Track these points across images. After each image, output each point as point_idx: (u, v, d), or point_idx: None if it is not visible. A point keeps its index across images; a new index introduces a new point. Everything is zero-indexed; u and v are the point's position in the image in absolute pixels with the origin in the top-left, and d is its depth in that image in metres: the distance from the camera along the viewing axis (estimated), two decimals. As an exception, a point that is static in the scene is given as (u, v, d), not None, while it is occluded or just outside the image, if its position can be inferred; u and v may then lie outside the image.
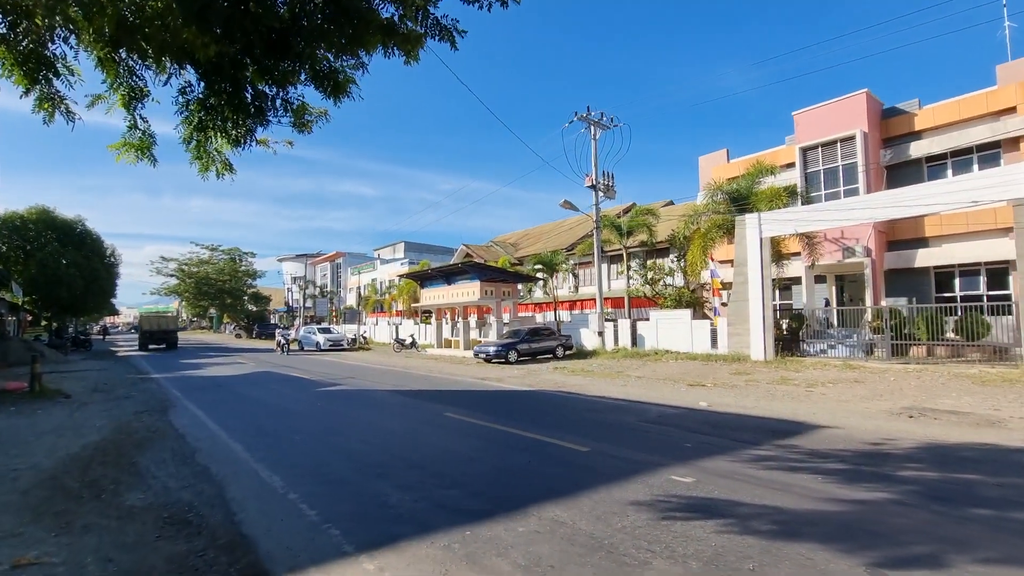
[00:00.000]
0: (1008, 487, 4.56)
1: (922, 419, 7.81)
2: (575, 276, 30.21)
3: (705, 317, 21.73)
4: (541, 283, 30.19)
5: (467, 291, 25.13)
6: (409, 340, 29.93)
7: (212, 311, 69.60)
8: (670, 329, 20.40)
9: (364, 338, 37.29)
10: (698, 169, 27.73)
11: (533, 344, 20.57)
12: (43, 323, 40.98)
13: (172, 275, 56.95)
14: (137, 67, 5.18)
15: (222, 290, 57.23)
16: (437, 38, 5.07)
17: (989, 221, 17.13)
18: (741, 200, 19.40)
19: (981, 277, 18.25)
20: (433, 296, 28.24)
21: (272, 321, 65.52)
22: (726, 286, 19.53)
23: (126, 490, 4.85)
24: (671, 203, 37.28)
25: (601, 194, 22.27)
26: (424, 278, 29.09)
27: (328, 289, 64.02)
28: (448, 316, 30.90)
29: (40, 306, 31.92)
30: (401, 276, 32.85)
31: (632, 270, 24.88)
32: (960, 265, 18.58)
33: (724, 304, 19.00)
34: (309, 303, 59.43)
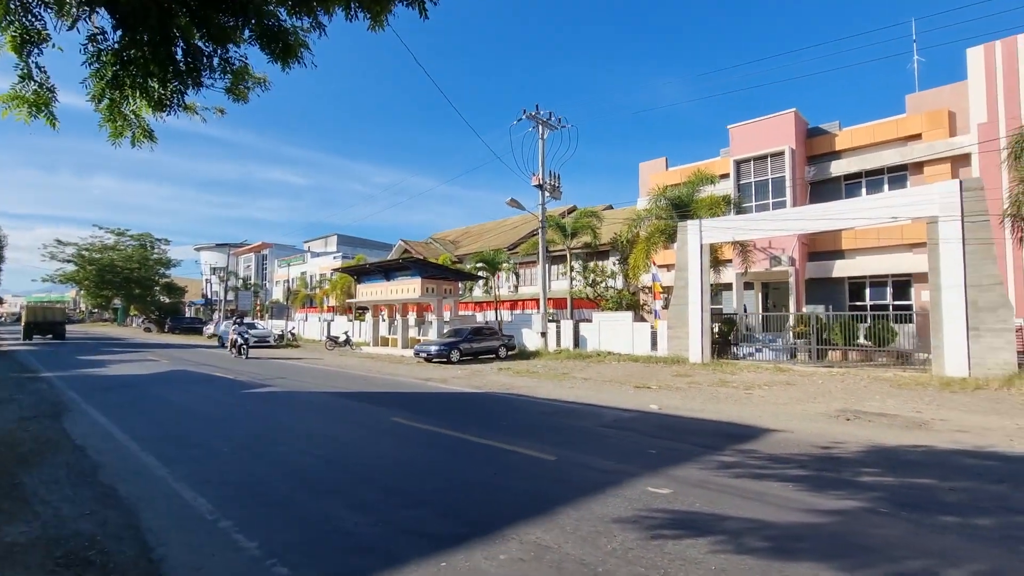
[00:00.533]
0: (960, 491, 4.72)
1: (857, 421, 8.19)
2: (516, 276, 30.07)
3: (645, 320, 22.27)
4: (482, 282, 29.79)
5: (407, 288, 24.23)
6: (343, 338, 28.49)
7: (117, 302, 63.10)
8: (612, 331, 20.67)
9: (293, 335, 35.16)
10: (638, 176, 28.53)
11: (475, 344, 20.13)
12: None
13: (70, 260, 50.89)
14: (33, 3, 4.26)
15: (129, 279, 51.86)
16: (407, 2, 4.56)
17: (897, 237, 18.71)
18: (682, 207, 20.01)
19: (888, 288, 19.94)
20: (370, 292, 27.03)
21: (187, 314, 60.49)
22: (666, 290, 20.07)
23: (4, 522, 3.93)
24: (611, 207, 38.13)
25: (547, 194, 22.21)
26: (361, 273, 27.77)
27: (252, 282, 60.06)
28: (385, 313, 29.74)
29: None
30: (336, 270, 31.26)
31: (575, 271, 25.04)
32: (871, 276, 20.21)
33: (664, 307, 19.51)
34: (231, 296, 55.37)
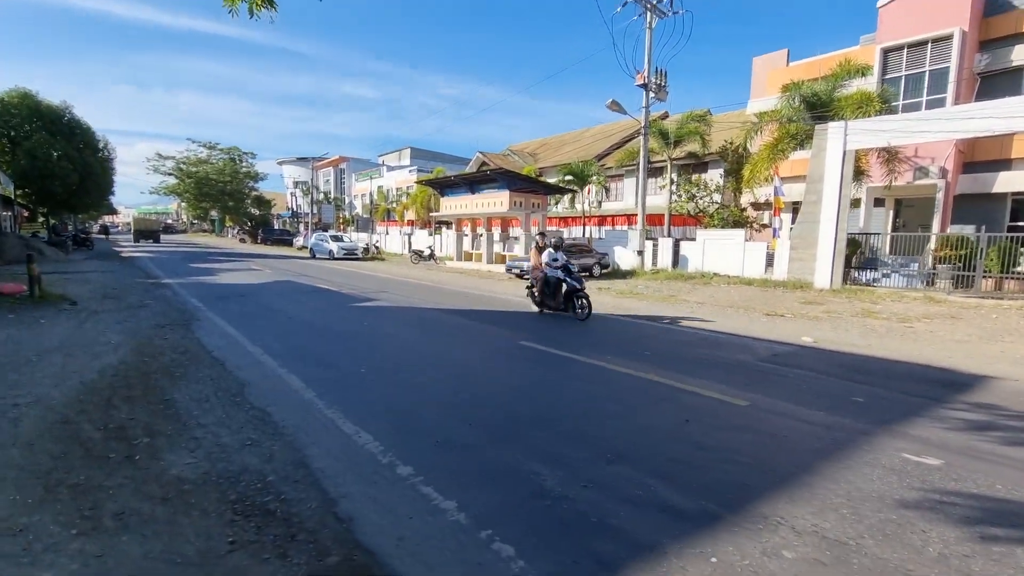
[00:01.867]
0: None
1: (1100, 371, 6.51)
2: (606, 190, 28.06)
3: (753, 239, 20.13)
4: (568, 196, 28.14)
5: (494, 201, 23.20)
6: (427, 252, 28.48)
7: (214, 213, 67.28)
8: (719, 250, 18.85)
9: (376, 248, 35.77)
10: (750, 74, 24.71)
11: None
12: (40, 219, 39.20)
13: (170, 174, 54.05)
14: None
15: (223, 191, 54.63)
16: None
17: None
18: (818, 107, 17.00)
19: (1067, 207, 16.46)
20: (454, 205, 26.31)
21: (276, 226, 63.50)
22: (788, 206, 17.69)
23: (166, 446, 3.55)
24: (708, 113, 34.17)
25: (652, 94, 19.66)
26: (445, 185, 26.96)
27: (333, 196, 61.45)
28: (469, 227, 29.18)
29: (34, 201, 29.99)
30: (419, 183, 30.64)
31: (675, 185, 22.77)
32: (1046, 192, 16.71)
33: (783, 225, 17.30)
34: (314, 209, 57.15)
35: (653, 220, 24.85)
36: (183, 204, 76.50)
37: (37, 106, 26.39)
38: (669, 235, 21.93)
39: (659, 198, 26.38)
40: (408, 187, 48.81)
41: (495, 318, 9.83)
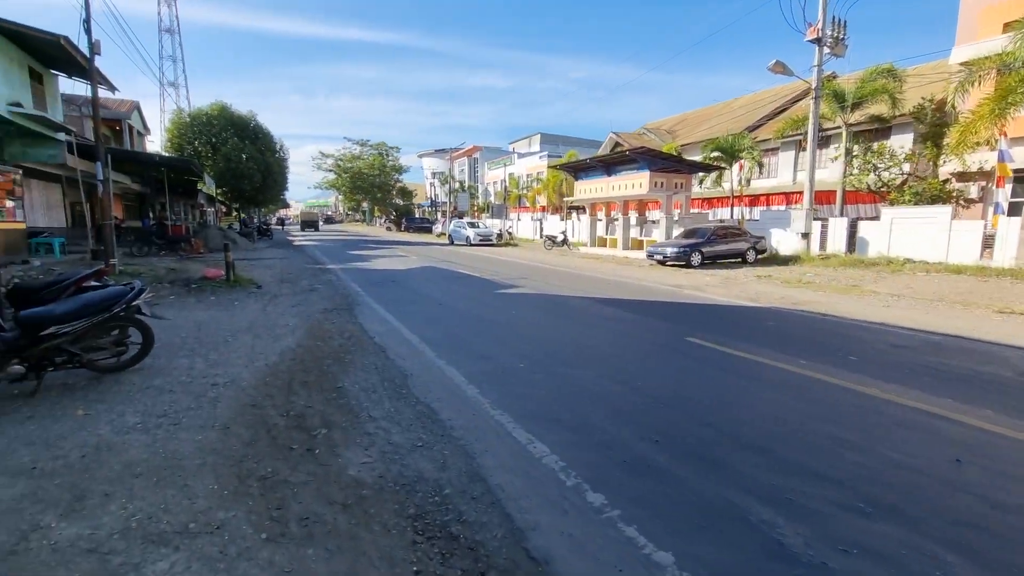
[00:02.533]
0: None
1: None
2: (760, 166, 25.03)
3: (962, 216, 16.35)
4: (714, 174, 25.66)
5: (633, 183, 21.91)
6: (560, 237, 28.08)
7: (365, 205, 74.35)
8: (911, 232, 15.64)
9: (509, 234, 36.32)
10: (955, 15, 19.97)
11: (719, 246, 17.29)
12: (233, 214, 46.47)
13: (330, 170, 60.66)
14: None
15: (373, 184, 59.92)
16: None
17: None
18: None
19: None
20: (589, 189, 25.47)
21: (417, 215, 67.96)
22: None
23: (342, 441, 3.45)
24: (891, 68, 28.66)
25: (827, 50, 16.78)
26: (579, 169, 26.21)
27: (468, 184, 63.95)
28: (603, 212, 28.15)
29: (229, 198, 35.43)
30: (552, 167, 30.26)
31: (852, 155, 19.38)
32: None
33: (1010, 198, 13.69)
34: (451, 198, 60.10)
35: (819, 198, 21.55)
36: (340, 197, 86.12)
37: (231, 116, 30.92)
38: (842, 214, 18.81)
39: (824, 172, 22.84)
40: (539, 173, 48.86)
41: (650, 309, 8.98)
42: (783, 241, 19.03)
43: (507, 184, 47.50)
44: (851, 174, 19.27)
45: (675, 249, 16.74)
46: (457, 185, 60.59)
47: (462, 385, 4.61)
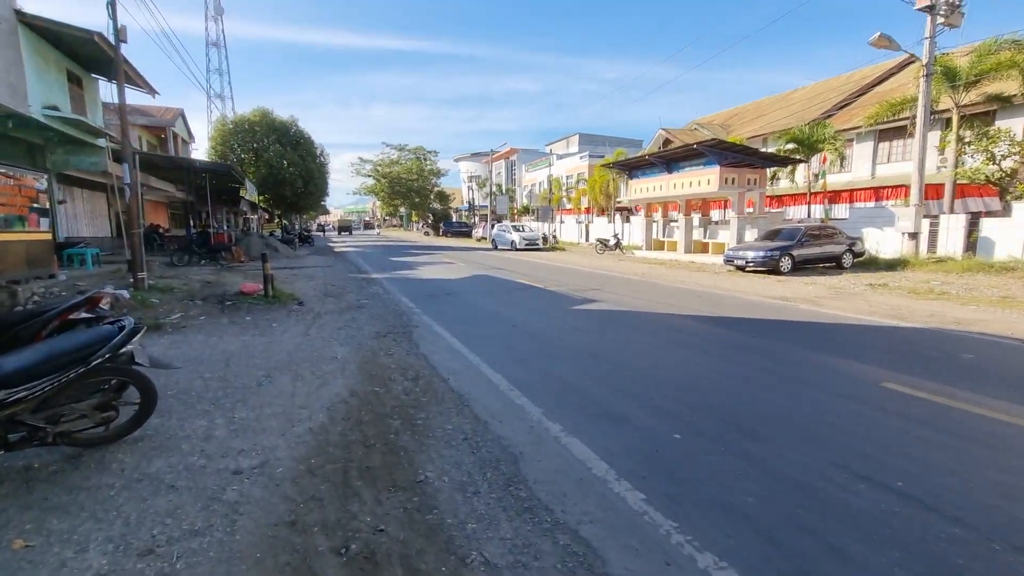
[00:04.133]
0: None
1: None
2: (842, 159, 22.45)
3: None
4: (788, 169, 23.25)
5: (700, 179, 19.85)
6: (613, 241, 26.21)
7: (402, 209, 74.01)
8: (1056, 229, 13.10)
9: (554, 237, 34.61)
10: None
11: (811, 249, 15.08)
12: (275, 221, 46.52)
13: (369, 176, 60.46)
14: None
15: (411, 188, 59.33)
16: None
17: None
18: None
19: None
20: (646, 188, 23.49)
21: (454, 219, 67.00)
22: None
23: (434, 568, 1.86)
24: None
25: (941, 19, 14.38)
26: (634, 167, 24.27)
27: (506, 187, 62.61)
28: (660, 212, 26.10)
29: (271, 204, 35.13)
30: (607, 164, 28.35)
31: (965, 142, 16.76)
32: None
33: None
34: (491, 201, 58.81)
35: (900, 192, 18.91)
36: (378, 203, 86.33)
37: (272, 122, 30.48)
38: (952, 210, 16.27)
39: (910, 164, 20.24)
40: (580, 173, 46.96)
41: (781, 332, 7.11)
42: (882, 242, 16.63)
43: (540, 188, 45.80)
44: (962, 164, 16.67)
45: (761, 253, 14.63)
46: (495, 188, 59.29)
47: (611, 482, 2.94)
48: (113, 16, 8.33)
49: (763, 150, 23.21)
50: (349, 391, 4.54)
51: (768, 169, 20.77)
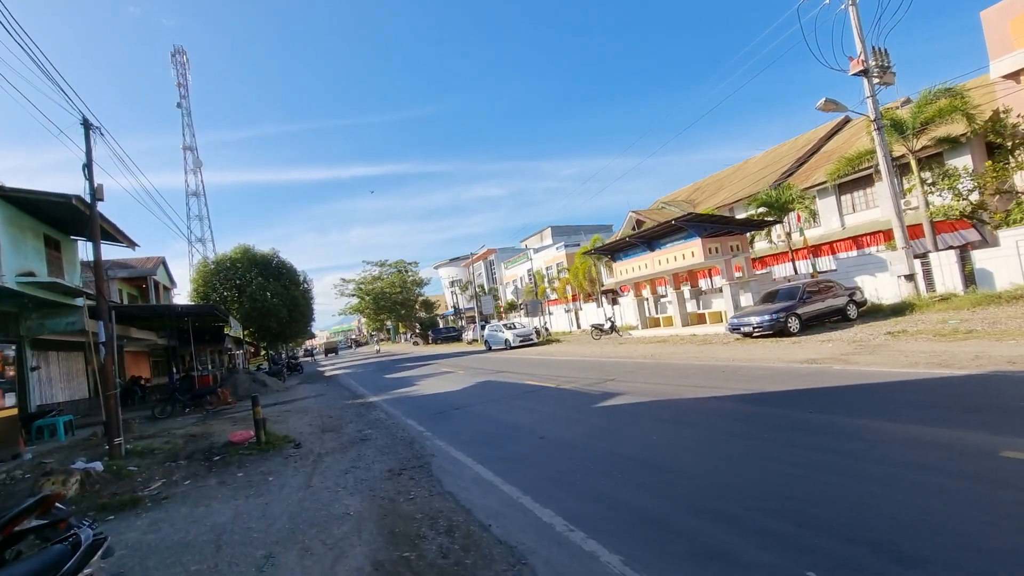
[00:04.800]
0: None
1: None
2: (813, 215, 23.15)
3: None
4: (763, 232, 23.80)
5: (683, 253, 20.03)
6: (608, 324, 25.83)
7: (388, 323, 73.70)
8: (1048, 253, 13.13)
9: (546, 329, 34.18)
10: (982, 32, 19.04)
11: (815, 305, 14.81)
12: (262, 353, 45.44)
13: (352, 295, 60.70)
14: None
15: (395, 302, 59.44)
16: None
17: None
18: None
19: None
20: (631, 268, 23.63)
21: (441, 326, 66.61)
22: None
23: None
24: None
25: (875, 79, 15.50)
26: (616, 249, 24.63)
27: (489, 287, 63.30)
28: (648, 290, 26.10)
29: (256, 337, 34.36)
30: (588, 251, 28.80)
31: (930, 183, 17.37)
32: None
33: None
34: (474, 303, 58.99)
35: (888, 236, 19.31)
36: (363, 320, 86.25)
37: (254, 256, 30.72)
38: (936, 248, 16.43)
39: (876, 212, 21.04)
40: (558, 263, 47.89)
41: (840, 403, 6.45)
42: (880, 288, 16.52)
43: (534, 280, 46.29)
44: (931, 204, 17.16)
45: (767, 317, 14.27)
46: (477, 289, 59.85)
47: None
48: (89, 176, 8.23)
49: (736, 217, 23.87)
50: (372, 563, 3.67)
51: (747, 233, 21.14)
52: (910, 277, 15.29)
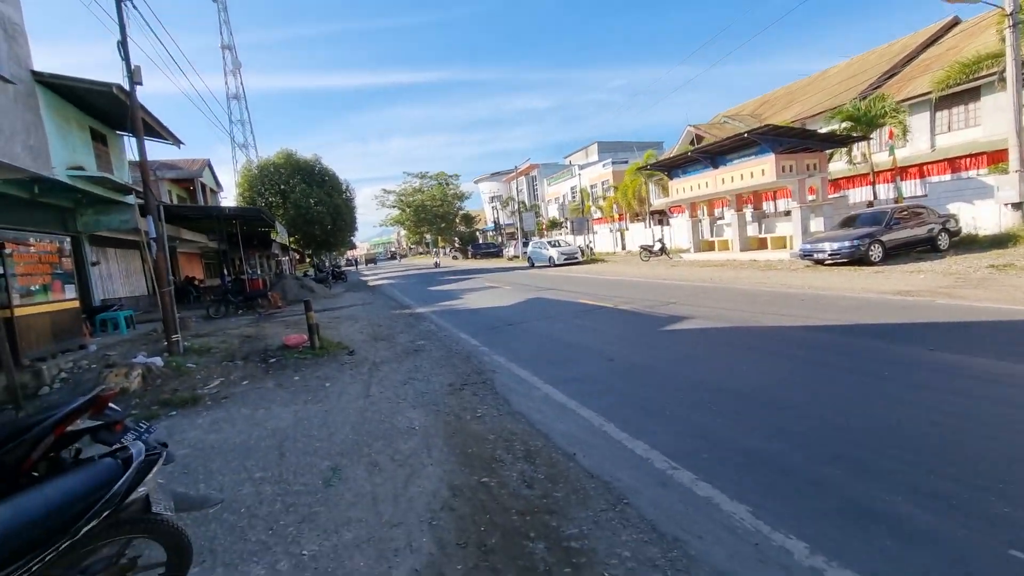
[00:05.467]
0: None
1: None
2: (904, 132, 20.52)
3: None
4: (844, 151, 21.41)
5: (752, 170, 18.31)
6: (658, 246, 24.68)
7: (428, 236, 73.85)
8: None
9: (590, 249, 33.21)
10: None
11: (902, 232, 13.34)
12: (307, 261, 46.56)
13: (394, 206, 60.49)
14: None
15: (436, 215, 58.98)
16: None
17: None
18: None
19: None
20: (690, 187, 21.99)
21: (481, 241, 66.19)
22: None
23: None
24: None
25: (1024, -39, 12.70)
26: (674, 166, 22.85)
27: (530, 203, 61.71)
28: (705, 211, 24.53)
29: (302, 245, 34.88)
30: (644, 167, 27.01)
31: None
32: None
33: None
34: (515, 219, 57.83)
35: (994, 159, 16.93)
36: (403, 232, 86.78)
37: (296, 162, 30.28)
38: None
39: (976, 131, 18.45)
40: (604, 181, 45.65)
41: (956, 338, 5.61)
42: (978, 217, 14.71)
43: (579, 196, 44.54)
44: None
45: (846, 243, 12.96)
46: (519, 205, 58.49)
47: None
48: (125, 56, 7.57)
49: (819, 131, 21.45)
50: (448, 487, 3.31)
51: (827, 151, 19.03)
52: (1018, 205, 13.43)
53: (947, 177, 18.51)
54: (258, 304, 17.03)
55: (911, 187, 19.80)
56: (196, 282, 23.52)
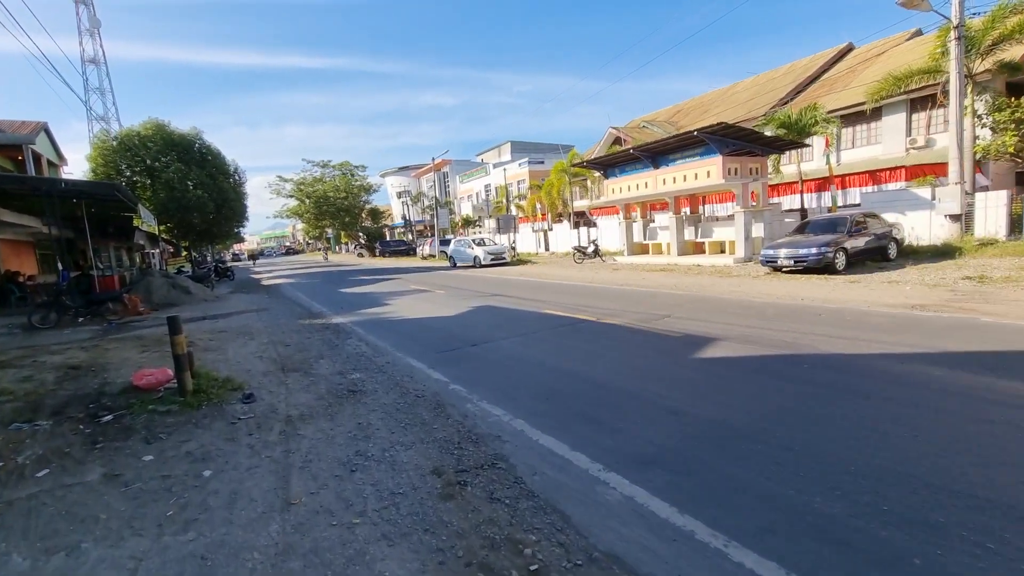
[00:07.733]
0: None
1: None
2: (838, 139, 21.06)
3: None
4: (772, 158, 21.59)
5: (698, 172, 17.53)
6: (591, 248, 23.46)
7: (330, 231, 67.80)
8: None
9: (514, 249, 31.50)
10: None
11: (860, 240, 12.95)
12: (183, 254, 39.83)
13: (291, 195, 54.42)
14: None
15: (340, 208, 53.95)
16: None
17: None
18: None
19: None
20: (627, 186, 20.93)
21: (388, 237, 61.95)
22: None
23: None
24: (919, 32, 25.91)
25: (969, -24, 12.84)
26: (612, 164, 21.68)
27: (443, 200, 58.86)
28: (639, 213, 23.74)
29: (176, 235, 29.26)
30: (580, 165, 25.59)
31: (987, 110, 15.49)
32: None
33: None
34: (427, 216, 54.64)
35: (912, 173, 17.72)
36: (299, 226, 79.10)
37: (170, 136, 25.04)
38: (974, 189, 14.85)
39: (876, 148, 19.44)
40: (519, 180, 44.39)
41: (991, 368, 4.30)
42: (916, 227, 14.91)
43: (498, 194, 42.73)
44: (982, 138, 15.41)
45: (813, 250, 12.22)
46: (434, 201, 55.37)
47: None
48: None
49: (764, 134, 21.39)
50: None
51: (768, 157, 18.83)
52: (956, 217, 13.69)
53: (869, 188, 19.12)
54: (108, 309, 12.92)
55: (827, 198, 20.33)
56: (21, 278, 18.11)
